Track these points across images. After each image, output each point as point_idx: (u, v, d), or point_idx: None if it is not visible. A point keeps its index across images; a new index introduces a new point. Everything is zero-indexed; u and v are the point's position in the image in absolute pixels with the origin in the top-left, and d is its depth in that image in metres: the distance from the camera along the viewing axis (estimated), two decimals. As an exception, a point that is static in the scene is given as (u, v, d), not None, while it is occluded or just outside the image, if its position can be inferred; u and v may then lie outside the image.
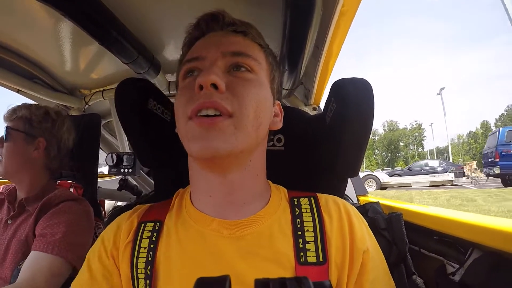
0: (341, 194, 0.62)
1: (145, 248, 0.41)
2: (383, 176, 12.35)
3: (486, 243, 0.43)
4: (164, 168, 0.63)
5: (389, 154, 58.85)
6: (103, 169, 2.22)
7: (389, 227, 0.56)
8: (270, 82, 0.44)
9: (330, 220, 0.42)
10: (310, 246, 0.39)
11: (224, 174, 0.40)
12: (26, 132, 0.82)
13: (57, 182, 0.99)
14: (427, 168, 12.85)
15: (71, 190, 1.04)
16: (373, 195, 1.04)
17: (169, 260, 0.39)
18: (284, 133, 0.62)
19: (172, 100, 0.56)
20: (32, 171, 0.84)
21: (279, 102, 0.49)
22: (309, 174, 0.60)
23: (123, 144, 1.34)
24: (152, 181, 1.38)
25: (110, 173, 1.11)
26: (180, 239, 0.41)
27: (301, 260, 0.38)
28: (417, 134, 57.13)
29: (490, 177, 9.78)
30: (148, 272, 0.39)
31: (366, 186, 1.09)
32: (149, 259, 0.40)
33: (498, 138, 8.92)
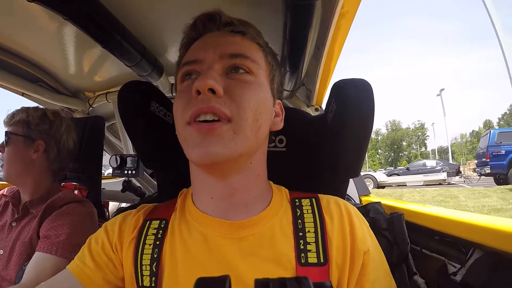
0: (343, 195, 0.62)
1: (150, 245, 0.41)
2: (379, 175, 12.98)
3: (487, 243, 0.43)
4: (166, 169, 0.63)
5: (392, 154, 58.66)
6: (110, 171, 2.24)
7: (390, 227, 0.56)
8: (269, 82, 0.44)
9: (331, 221, 0.42)
10: (311, 247, 0.39)
11: (224, 178, 0.40)
12: (25, 135, 0.83)
13: (62, 184, 1.00)
14: (425, 168, 13.39)
15: (76, 192, 1.05)
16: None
17: (174, 258, 0.40)
18: (286, 134, 0.62)
19: (175, 102, 0.56)
20: (34, 174, 0.85)
21: (279, 101, 0.48)
22: (310, 175, 0.60)
23: (127, 146, 1.36)
24: (156, 183, 1.39)
25: (114, 175, 1.12)
26: (184, 239, 0.41)
27: (302, 261, 0.38)
28: (420, 133, 56.97)
29: (482, 176, 10.23)
30: (154, 269, 0.39)
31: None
32: (155, 256, 0.40)
33: (489, 139, 9.37)
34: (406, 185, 12.13)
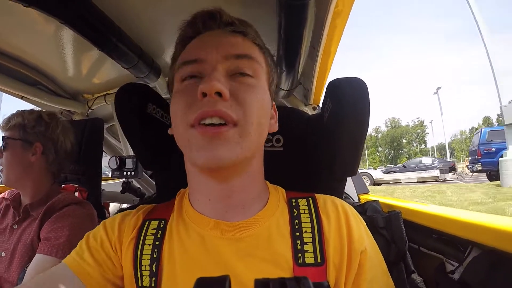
0: (340, 194, 0.62)
1: (149, 245, 0.41)
2: (376, 173, 13.74)
3: (484, 242, 0.43)
4: (165, 170, 0.63)
5: (392, 151, 58.64)
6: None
7: (388, 225, 0.56)
8: (269, 84, 0.43)
9: (328, 221, 0.42)
10: (308, 247, 0.39)
11: (225, 181, 0.40)
12: (22, 139, 0.83)
13: (62, 186, 1.01)
14: (421, 165, 13.97)
15: (76, 193, 1.05)
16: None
17: (173, 259, 0.40)
18: (283, 134, 0.62)
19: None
20: (34, 177, 0.85)
21: (274, 103, 0.48)
22: (308, 174, 0.60)
23: (127, 148, 1.36)
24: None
25: (113, 176, 1.12)
26: (182, 240, 0.41)
27: (299, 261, 0.38)
28: (419, 131, 56.99)
29: (474, 173, 10.79)
30: (154, 270, 0.39)
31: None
32: (155, 256, 0.40)
33: (480, 137, 9.91)
34: (401, 182, 12.72)
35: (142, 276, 0.40)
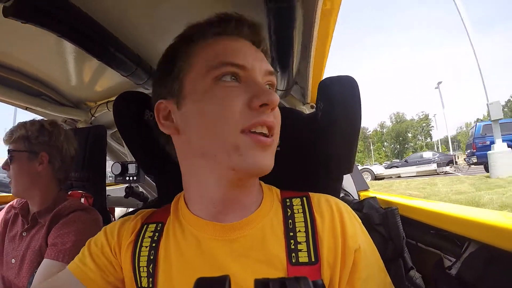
0: (338, 192, 0.62)
1: (146, 247, 0.43)
2: (377, 168, 14.43)
3: (480, 239, 0.43)
4: (164, 174, 0.65)
5: (398, 146, 58.06)
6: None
7: (384, 222, 0.56)
8: None
9: (322, 220, 0.42)
10: (302, 246, 0.40)
11: (243, 187, 0.42)
12: (27, 150, 0.86)
13: (69, 192, 1.03)
14: (422, 159, 14.62)
15: (82, 199, 1.08)
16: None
17: (169, 261, 0.41)
18: (280, 134, 0.63)
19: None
20: (41, 185, 0.88)
21: None
22: (305, 173, 0.61)
23: (130, 153, 1.38)
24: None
25: (117, 181, 1.15)
26: (178, 241, 0.42)
27: (293, 260, 0.39)
28: (424, 124, 56.35)
29: (471, 166, 11.48)
30: (150, 271, 0.41)
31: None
32: (151, 257, 0.42)
33: (475, 131, 10.50)
34: (400, 176, 13.34)
35: (140, 277, 0.41)
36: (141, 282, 0.41)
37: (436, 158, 14.04)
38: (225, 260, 0.39)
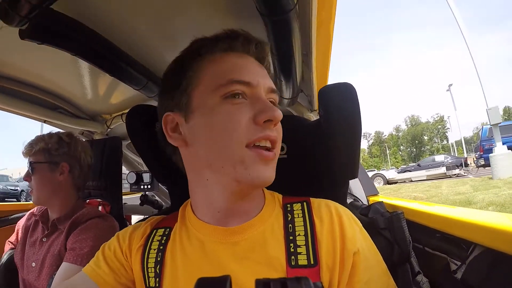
0: (344, 197, 0.63)
1: (154, 249, 0.46)
2: (388, 173, 15.05)
3: (485, 243, 0.43)
4: (176, 184, 0.67)
5: (414, 149, 56.39)
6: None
7: (390, 226, 0.56)
8: None
9: (321, 224, 0.43)
10: (301, 249, 0.41)
11: (247, 196, 0.44)
12: (48, 161, 0.91)
13: (87, 200, 1.08)
14: (434, 163, 14.61)
15: (100, 207, 1.13)
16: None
17: (175, 262, 0.44)
18: (286, 142, 0.64)
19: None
20: (62, 194, 0.93)
21: None
22: (310, 179, 0.62)
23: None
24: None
25: (132, 190, 1.19)
26: (184, 245, 0.45)
27: (292, 263, 0.40)
28: (440, 126, 54.61)
29: (479, 168, 11.58)
30: (158, 271, 0.44)
31: (374, 182, 1.10)
32: (158, 259, 0.45)
33: (481, 134, 10.96)
34: (412, 180, 13.59)
35: (149, 277, 0.44)
36: (149, 282, 0.44)
37: (446, 161, 14.24)
38: (227, 261, 0.41)
